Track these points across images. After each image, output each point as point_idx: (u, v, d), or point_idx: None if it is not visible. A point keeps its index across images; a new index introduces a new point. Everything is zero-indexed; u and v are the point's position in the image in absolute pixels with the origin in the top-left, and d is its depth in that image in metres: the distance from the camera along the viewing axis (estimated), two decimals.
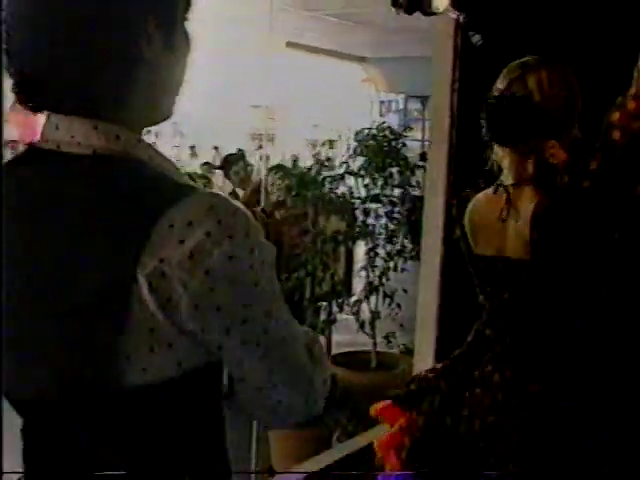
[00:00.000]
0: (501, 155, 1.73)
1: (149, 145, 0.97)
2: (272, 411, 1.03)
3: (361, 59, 8.40)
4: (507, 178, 1.71)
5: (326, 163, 3.89)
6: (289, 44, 7.88)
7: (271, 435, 3.78)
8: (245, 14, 6.39)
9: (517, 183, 1.68)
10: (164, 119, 1.04)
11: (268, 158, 10.13)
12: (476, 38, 3.34)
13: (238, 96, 10.45)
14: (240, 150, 5.59)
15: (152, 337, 0.90)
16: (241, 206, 0.93)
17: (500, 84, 1.75)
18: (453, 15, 3.32)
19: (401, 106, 8.42)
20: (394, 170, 3.86)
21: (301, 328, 1.05)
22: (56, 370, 0.91)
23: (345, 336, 4.69)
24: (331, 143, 4.13)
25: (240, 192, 4.42)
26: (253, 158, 10.47)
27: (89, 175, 0.91)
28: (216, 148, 10.92)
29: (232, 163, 5.10)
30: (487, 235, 1.70)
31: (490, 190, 1.76)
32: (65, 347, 0.90)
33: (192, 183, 0.95)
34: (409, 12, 3.14)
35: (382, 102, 9.20)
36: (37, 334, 0.91)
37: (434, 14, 3.20)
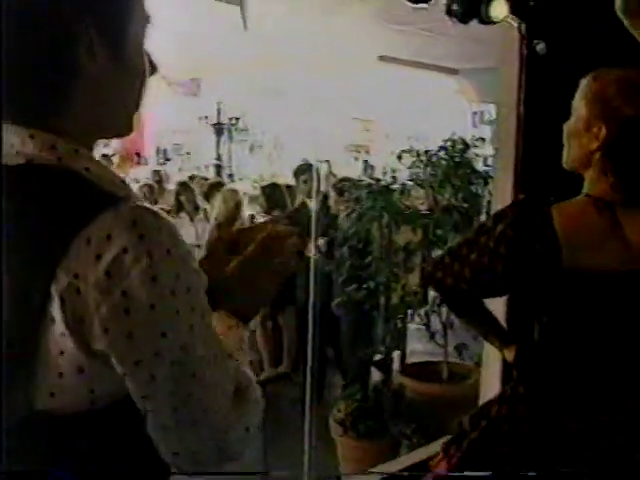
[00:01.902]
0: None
1: (88, 157, 0.93)
2: (174, 454, 0.93)
3: (453, 71, 8.36)
4: (608, 194, 1.64)
5: (395, 174, 3.90)
6: (382, 58, 7.94)
7: (338, 443, 3.82)
8: (340, 30, 6.51)
9: (626, 202, 1.63)
10: (117, 135, 1.01)
11: (373, 168, 10.16)
12: (541, 46, 3.31)
13: (338, 109, 10.61)
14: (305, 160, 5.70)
15: (62, 360, 0.85)
16: (171, 222, 0.88)
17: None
18: (514, 23, 3.30)
19: (493, 116, 8.30)
20: (460, 182, 3.82)
21: (229, 368, 0.94)
22: None
23: (421, 345, 4.68)
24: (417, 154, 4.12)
25: (309, 202, 4.50)
26: (349, 169, 10.58)
27: (21, 184, 0.88)
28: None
29: (300, 173, 5.21)
30: (598, 249, 1.61)
31: (578, 202, 1.66)
32: None
33: (132, 196, 0.91)
34: (464, 21, 3.15)
35: (475, 113, 9.14)
36: None
37: (493, 23, 3.20)
